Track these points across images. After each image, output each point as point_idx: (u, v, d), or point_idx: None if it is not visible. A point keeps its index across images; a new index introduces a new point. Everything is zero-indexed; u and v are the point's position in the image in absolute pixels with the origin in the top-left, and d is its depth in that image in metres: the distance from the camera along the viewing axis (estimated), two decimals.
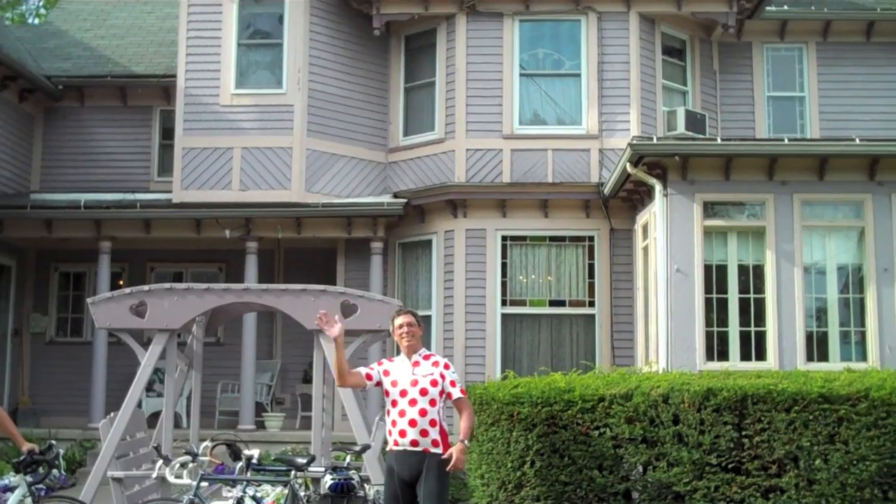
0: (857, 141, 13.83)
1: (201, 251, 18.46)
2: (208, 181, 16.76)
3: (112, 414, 9.99)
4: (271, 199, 16.61)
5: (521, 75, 16.76)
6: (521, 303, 16.26)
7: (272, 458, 10.68)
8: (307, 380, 16.90)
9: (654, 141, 14.17)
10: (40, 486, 13.88)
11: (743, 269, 13.88)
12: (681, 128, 16.05)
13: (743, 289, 13.79)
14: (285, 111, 16.79)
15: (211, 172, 16.76)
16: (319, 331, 9.79)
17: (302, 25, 16.87)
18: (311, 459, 9.00)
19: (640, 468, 10.07)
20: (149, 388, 16.15)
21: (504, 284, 16.22)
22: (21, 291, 18.97)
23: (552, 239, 16.40)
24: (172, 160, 17.32)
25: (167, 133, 18.74)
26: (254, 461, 9.12)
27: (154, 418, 12.04)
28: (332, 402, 11.13)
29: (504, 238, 16.35)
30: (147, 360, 10.28)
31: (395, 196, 16.92)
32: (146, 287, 10.66)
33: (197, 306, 10.49)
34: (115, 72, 19.27)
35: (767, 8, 17.23)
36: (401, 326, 8.05)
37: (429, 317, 16.32)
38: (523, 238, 16.39)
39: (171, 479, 9.08)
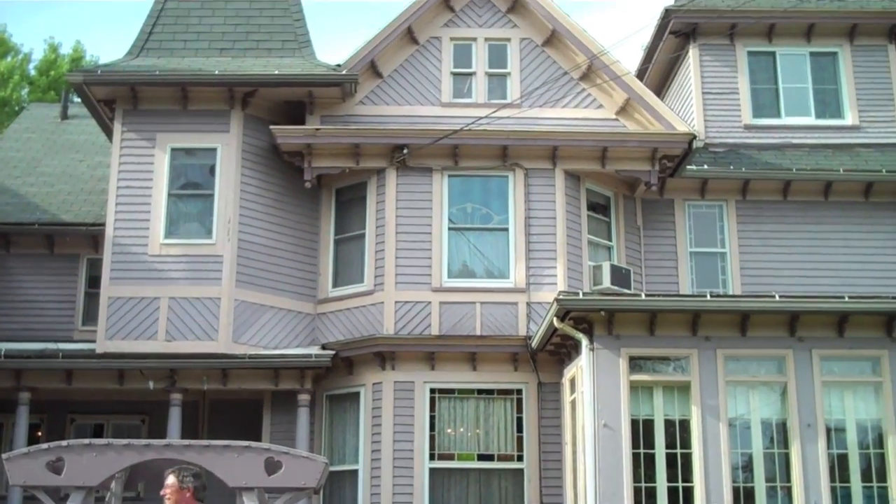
0: (777, 297, 14.18)
1: (124, 402, 18.09)
2: (134, 331, 16.49)
3: None
4: (198, 350, 16.38)
5: (451, 229, 17.02)
6: (450, 457, 16.10)
7: None
8: None
9: (580, 296, 14.37)
10: None
11: (669, 424, 13.96)
12: (606, 282, 16.33)
13: (670, 444, 13.83)
14: (214, 261, 16.75)
15: (137, 322, 16.52)
16: (243, 488, 9.59)
17: (233, 177, 17.02)
18: None
19: None
20: None
21: (432, 438, 16.08)
22: None
23: (480, 392, 16.40)
24: (98, 309, 17.07)
25: (93, 282, 18.53)
26: None
27: None
28: None
29: (432, 391, 16.31)
30: None
31: (324, 348, 16.84)
32: (64, 442, 10.34)
33: (116, 463, 10.19)
34: (42, 219, 19.14)
35: (688, 167, 17.78)
36: (163, 489, 7.91)
37: (356, 471, 16.09)
38: (451, 391, 16.36)
39: None
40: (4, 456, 10.27)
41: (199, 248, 16.86)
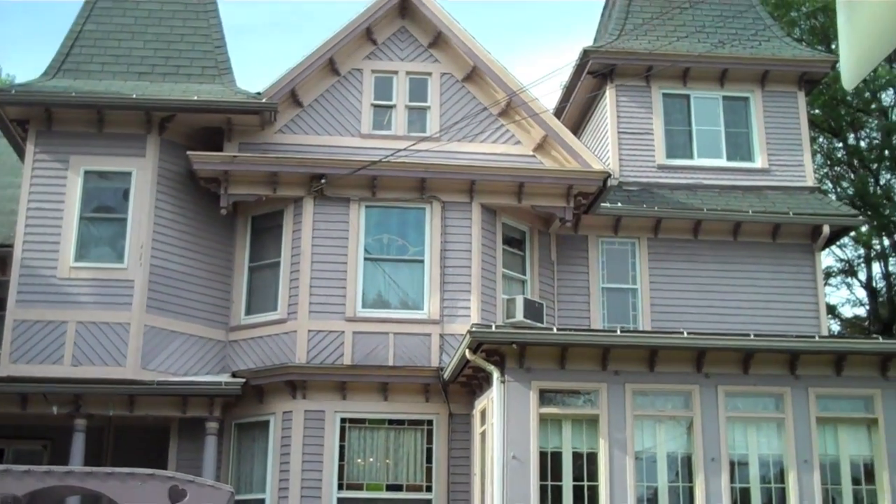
0: (685, 334, 14.47)
1: (25, 427, 17.65)
2: (39, 355, 16.16)
3: None
4: (105, 376, 16.10)
5: (366, 259, 17.05)
6: (359, 487, 16.05)
7: None
8: None
9: (493, 329, 14.51)
10: None
11: (577, 457, 14.11)
12: (519, 315, 16.49)
13: (577, 476, 13.98)
14: (125, 286, 16.52)
15: (43, 346, 16.20)
16: None
17: (147, 201, 16.85)
18: None
19: None
20: None
21: (341, 467, 16.02)
22: None
23: (391, 422, 16.39)
24: (2, 331, 16.71)
25: (0, 304, 18.12)
26: None
27: None
28: None
29: (343, 420, 16.26)
30: None
31: (234, 375, 16.67)
32: None
33: (15, 488, 10.01)
34: None
35: (602, 205, 18.08)
36: None
37: (262, 500, 15.93)
38: (362, 421, 16.33)
39: None
40: None
41: (110, 273, 16.63)
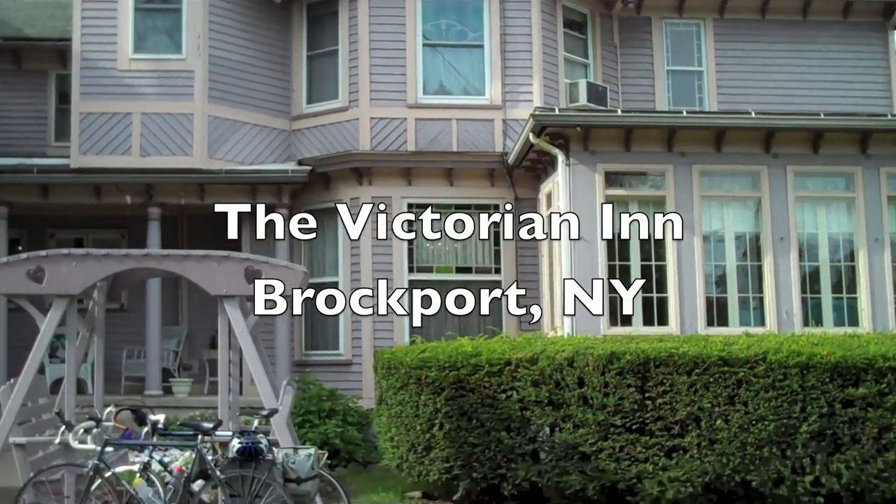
0: (753, 114, 14.19)
1: (102, 217, 18.02)
2: (107, 146, 16.38)
3: (12, 380, 9.73)
4: (173, 166, 16.31)
5: (425, 45, 16.73)
6: (428, 269, 16.31)
7: (178, 423, 10.51)
8: (214, 345, 16.72)
9: (557, 112, 14.36)
10: None
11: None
12: (583, 100, 16.27)
13: (645, 256, 14.05)
14: (185, 77, 16.48)
15: (110, 138, 16.38)
16: (224, 297, 9.71)
17: None
18: (218, 424, 8.92)
19: (547, 430, 10.24)
20: (52, 354, 15.74)
21: (410, 252, 16.25)
22: None
23: (458, 207, 16.48)
24: (70, 125, 16.87)
25: (64, 97, 18.23)
26: (159, 426, 8.98)
27: (57, 385, 11.75)
28: (240, 368, 11.02)
29: (409, 206, 16.37)
30: (46, 325, 10.02)
31: (300, 163, 16.79)
32: (43, 252, 10.36)
33: (96, 272, 10.24)
34: (6, 34, 18.64)
35: None
36: None
37: (335, 283, 16.30)
38: (429, 206, 16.42)
39: (75, 444, 8.92)
40: None
41: (169, 64, 16.55)
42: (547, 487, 10.43)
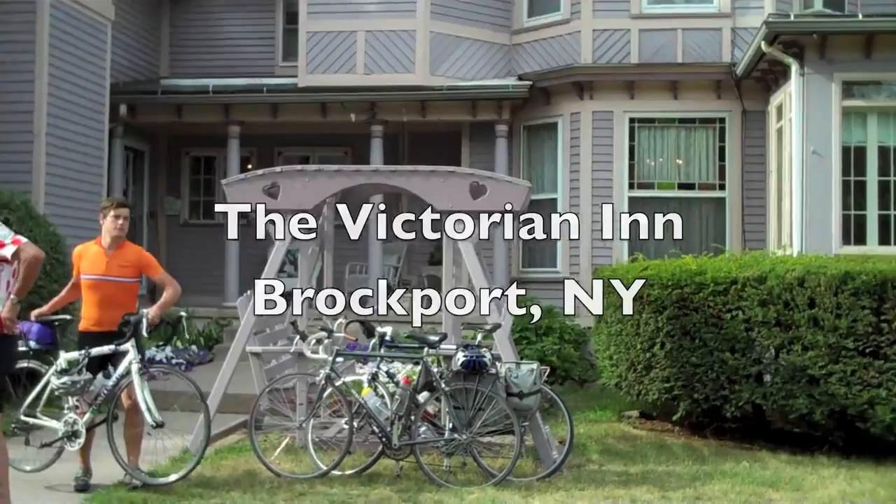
0: None
1: (327, 135, 18.59)
2: (333, 65, 16.82)
3: (249, 291, 10.20)
4: (395, 83, 16.60)
5: None
6: (649, 186, 16.00)
7: (405, 335, 10.79)
8: (433, 262, 17.10)
9: (792, 18, 13.73)
10: (180, 360, 14.43)
11: (883, 152, 13.39)
12: (818, 5, 15.51)
13: (882, 172, 13.32)
14: None
15: (335, 56, 16.79)
16: (449, 212, 9.79)
17: None
18: (444, 337, 9.08)
19: (773, 351, 9.94)
20: (280, 269, 16.46)
21: (631, 167, 15.96)
22: (154, 175, 19.45)
23: (681, 121, 16.04)
24: (296, 45, 17.40)
25: (291, 17, 18.71)
26: (387, 338, 9.24)
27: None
28: (461, 283, 11.18)
29: (632, 120, 16.04)
30: (281, 239, 10.40)
31: (520, 78, 16.71)
32: (277, 168, 10.72)
33: (328, 187, 10.53)
34: None
35: None
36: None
37: (555, 199, 16.24)
38: (651, 120, 16.05)
39: (309, 354, 9.28)
40: (224, 181, 10.77)
41: None
42: (771, 410, 10.16)
